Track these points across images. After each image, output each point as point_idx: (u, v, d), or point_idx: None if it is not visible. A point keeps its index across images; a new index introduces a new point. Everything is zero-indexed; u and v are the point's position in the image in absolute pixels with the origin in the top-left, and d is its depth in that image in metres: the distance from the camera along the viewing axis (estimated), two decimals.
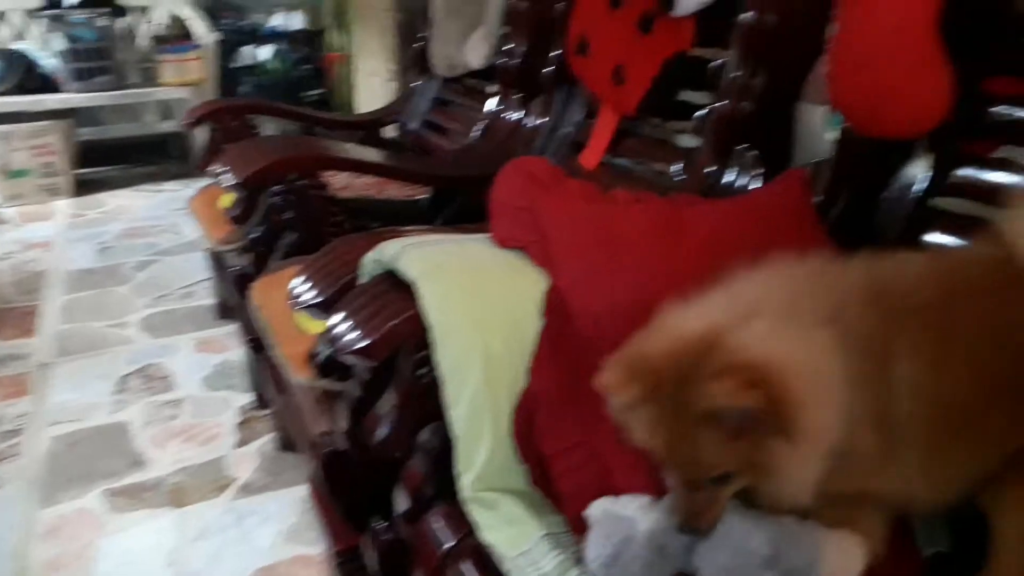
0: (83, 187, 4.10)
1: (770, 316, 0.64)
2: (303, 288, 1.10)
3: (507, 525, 0.81)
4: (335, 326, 0.93)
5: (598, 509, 0.72)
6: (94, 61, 4.00)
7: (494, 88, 2.04)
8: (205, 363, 2.21)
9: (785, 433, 0.59)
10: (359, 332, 0.90)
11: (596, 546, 0.70)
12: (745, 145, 1.22)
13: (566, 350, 0.83)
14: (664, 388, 0.62)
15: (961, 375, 0.65)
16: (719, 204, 1.12)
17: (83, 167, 4.28)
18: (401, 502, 1.01)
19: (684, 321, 0.66)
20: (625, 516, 0.69)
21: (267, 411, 1.88)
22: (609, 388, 0.65)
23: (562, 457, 0.78)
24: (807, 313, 0.65)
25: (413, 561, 0.95)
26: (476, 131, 2.02)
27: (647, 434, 0.65)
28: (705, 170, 1.26)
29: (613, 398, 0.65)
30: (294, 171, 1.64)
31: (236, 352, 2.22)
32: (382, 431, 0.96)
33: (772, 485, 0.63)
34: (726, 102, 1.23)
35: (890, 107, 0.95)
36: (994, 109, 0.93)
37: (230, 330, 2.36)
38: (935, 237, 0.95)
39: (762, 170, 1.20)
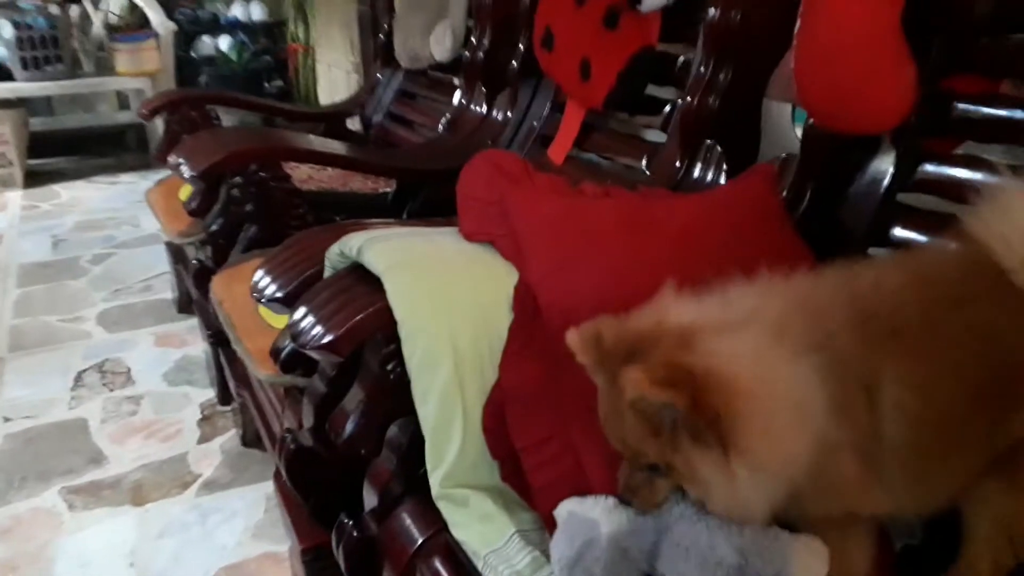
0: (35, 178, 4.00)
1: (763, 332, 0.63)
2: (266, 281, 1.08)
3: (478, 522, 0.81)
4: (299, 320, 0.92)
5: (564, 510, 0.72)
6: (46, 49, 3.90)
7: (460, 81, 2.03)
8: (165, 358, 2.17)
9: (719, 447, 0.58)
10: (324, 326, 0.88)
11: (560, 547, 0.70)
12: (711, 141, 1.23)
13: (536, 344, 0.82)
14: (609, 363, 0.63)
15: (946, 391, 0.64)
16: (687, 199, 1.13)
17: (35, 158, 4.17)
18: (369, 499, 1.00)
19: (675, 310, 0.66)
20: (589, 518, 0.69)
21: (229, 407, 1.85)
22: (570, 347, 0.67)
23: (534, 451, 0.78)
24: (799, 335, 0.63)
25: (382, 558, 0.94)
26: (442, 124, 2.01)
27: (598, 403, 0.66)
28: (672, 165, 1.27)
29: (578, 357, 0.67)
30: (254, 162, 1.61)
31: (197, 347, 2.18)
32: (349, 427, 0.95)
33: (699, 493, 0.62)
34: (692, 98, 1.23)
35: (853, 103, 0.96)
36: (957, 107, 0.94)
37: (191, 324, 2.32)
38: (901, 232, 0.97)
39: (728, 166, 1.21)
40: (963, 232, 0.69)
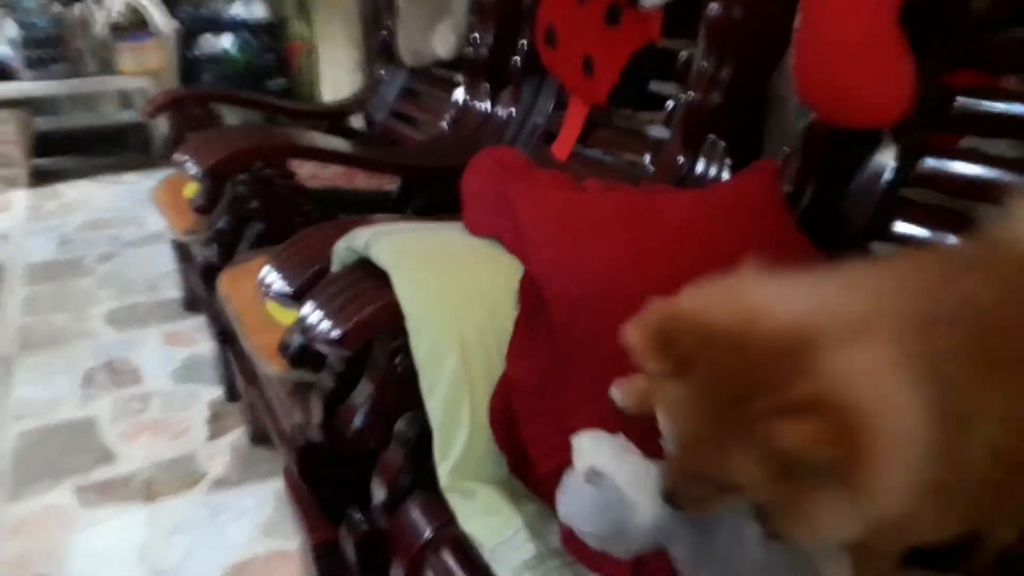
0: (40, 178, 4.01)
1: (885, 348, 0.53)
2: (274, 277, 1.09)
3: (485, 514, 0.82)
4: (307, 315, 0.93)
5: (587, 460, 0.67)
6: (50, 49, 3.91)
7: (463, 78, 2.04)
8: (173, 357, 2.18)
9: (844, 488, 0.50)
10: (333, 321, 0.90)
11: (590, 517, 0.65)
12: (714, 136, 1.24)
13: (542, 336, 0.83)
14: (712, 377, 0.53)
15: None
16: (691, 193, 1.14)
17: (39, 157, 4.19)
18: (378, 493, 1.01)
19: (764, 302, 0.55)
20: (626, 499, 0.63)
21: (237, 405, 1.87)
22: (638, 350, 0.56)
23: (542, 441, 0.79)
24: (916, 355, 0.54)
25: (391, 552, 0.96)
26: (445, 122, 2.02)
27: (667, 411, 0.57)
28: (676, 161, 1.28)
29: (641, 360, 0.56)
30: (259, 159, 1.62)
31: (204, 345, 2.20)
32: (357, 421, 0.96)
33: (791, 527, 0.54)
34: (695, 94, 1.24)
35: (854, 99, 0.97)
36: (957, 101, 0.95)
37: (198, 323, 2.34)
38: (903, 227, 0.98)
39: (731, 161, 1.22)
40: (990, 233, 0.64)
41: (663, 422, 0.58)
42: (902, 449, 0.51)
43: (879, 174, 1.01)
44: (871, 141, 1.01)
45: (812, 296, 0.57)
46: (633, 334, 0.56)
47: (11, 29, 3.85)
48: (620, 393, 0.74)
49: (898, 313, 0.57)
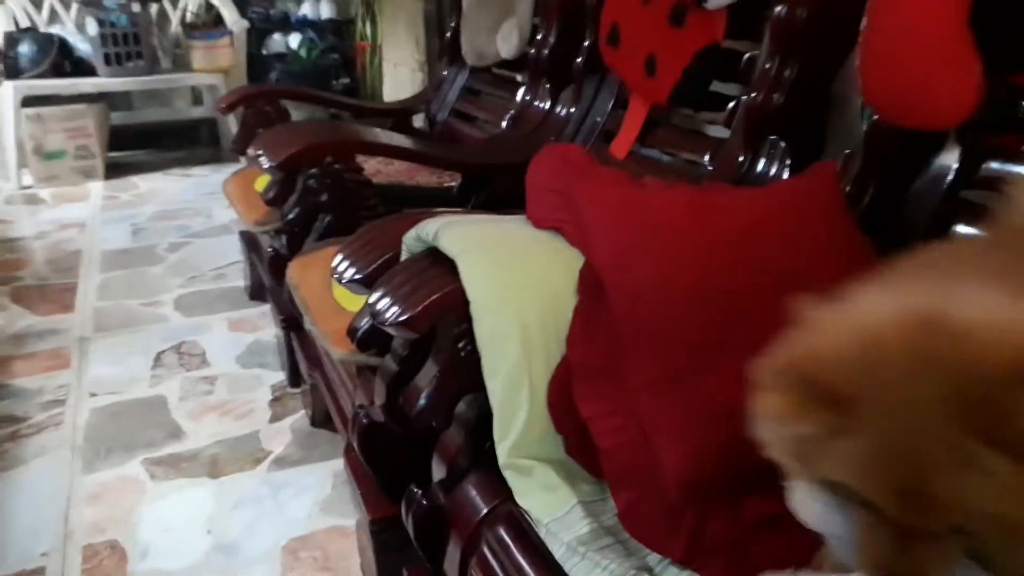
0: (114, 170, 4.18)
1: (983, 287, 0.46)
2: (345, 264, 1.14)
3: (542, 491, 0.85)
4: (377, 300, 0.97)
5: None
6: (127, 46, 4.08)
7: (523, 77, 2.08)
8: (238, 342, 2.27)
9: None
10: (401, 305, 0.94)
11: None
12: (775, 136, 1.25)
13: (602, 324, 0.86)
14: (905, 403, 0.43)
15: None
16: (750, 192, 1.15)
17: (115, 150, 4.36)
18: (437, 471, 1.06)
19: (933, 303, 0.46)
20: None
21: (299, 389, 1.94)
22: (781, 418, 0.46)
23: (601, 419, 0.82)
24: None
25: (449, 527, 1.00)
26: (506, 120, 2.05)
27: (854, 470, 0.45)
28: (735, 160, 1.29)
29: (791, 428, 0.46)
30: (329, 154, 1.68)
31: (267, 332, 2.28)
32: (422, 401, 1.00)
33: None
34: (757, 94, 1.25)
35: (919, 99, 0.97)
36: None
37: (262, 311, 2.43)
38: (964, 228, 0.97)
39: (792, 161, 1.23)
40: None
41: (858, 485, 0.45)
42: None
43: (942, 176, 1.01)
44: (934, 142, 1.01)
45: (977, 289, 0.47)
46: (768, 402, 0.46)
47: (92, 27, 4.02)
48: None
49: None
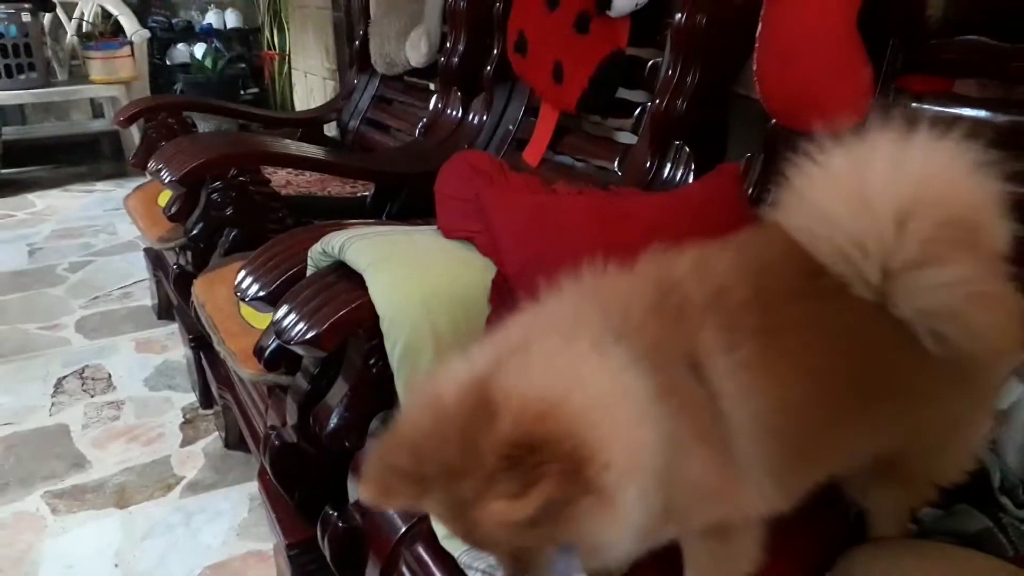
0: (9, 187, 3.96)
1: (541, 341, 0.58)
2: (249, 281, 1.11)
3: None
4: (283, 317, 0.94)
5: None
6: (17, 58, 3.88)
7: (435, 86, 2.07)
8: (145, 364, 2.18)
9: (586, 492, 0.51)
10: (308, 322, 0.91)
11: None
12: (679, 141, 1.28)
13: None
14: (442, 475, 0.53)
15: (787, 374, 0.61)
16: (657, 196, 1.17)
17: (9, 167, 4.14)
18: (353, 491, 1.03)
19: (444, 379, 0.58)
20: None
21: (211, 411, 1.87)
22: (379, 503, 0.57)
23: None
24: (592, 330, 0.59)
25: (367, 548, 0.97)
26: (418, 129, 2.04)
27: (441, 518, 0.58)
28: (643, 165, 1.31)
29: (390, 506, 0.57)
30: (233, 167, 1.63)
31: (177, 352, 2.19)
32: (334, 421, 0.98)
33: (583, 538, 0.54)
34: (661, 100, 1.28)
35: (813, 103, 1.01)
36: (912, 106, 0.99)
37: (170, 330, 2.33)
38: None
39: (696, 165, 1.25)
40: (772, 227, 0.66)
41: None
42: (606, 406, 0.54)
43: None
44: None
45: (476, 354, 0.60)
46: (365, 493, 0.56)
47: None
48: None
49: (578, 306, 0.65)
